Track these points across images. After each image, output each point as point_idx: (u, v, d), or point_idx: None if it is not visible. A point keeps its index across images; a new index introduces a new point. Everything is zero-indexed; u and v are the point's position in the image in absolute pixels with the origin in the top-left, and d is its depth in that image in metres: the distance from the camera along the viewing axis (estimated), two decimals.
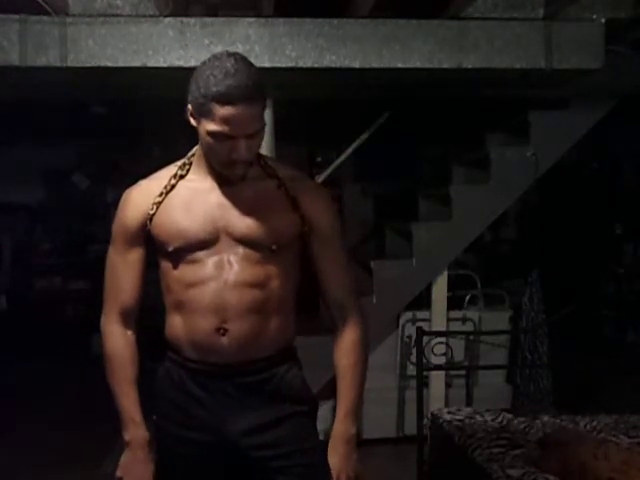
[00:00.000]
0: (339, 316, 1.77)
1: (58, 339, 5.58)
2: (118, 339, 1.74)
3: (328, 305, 1.78)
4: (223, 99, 1.51)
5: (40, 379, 5.10)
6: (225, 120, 1.53)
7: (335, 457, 1.71)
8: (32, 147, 6.16)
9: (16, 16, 2.99)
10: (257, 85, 1.54)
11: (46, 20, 2.99)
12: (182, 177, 1.71)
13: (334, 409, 1.77)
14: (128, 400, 1.71)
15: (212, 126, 1.54)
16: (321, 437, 1.81)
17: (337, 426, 1.74)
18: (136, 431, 1.71)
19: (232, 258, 1.65)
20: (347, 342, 1.75)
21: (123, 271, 1.73)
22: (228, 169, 1.63)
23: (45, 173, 6.62)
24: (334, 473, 1.70)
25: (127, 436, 1.71)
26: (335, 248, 1.75)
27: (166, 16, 3.06)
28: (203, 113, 1.55)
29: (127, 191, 1.75)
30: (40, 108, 4.44)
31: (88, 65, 3.04)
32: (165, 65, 3.05)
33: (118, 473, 1.70)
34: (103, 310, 1.76)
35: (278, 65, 3.13)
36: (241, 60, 1.56)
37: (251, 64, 1.58)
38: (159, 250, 1.71)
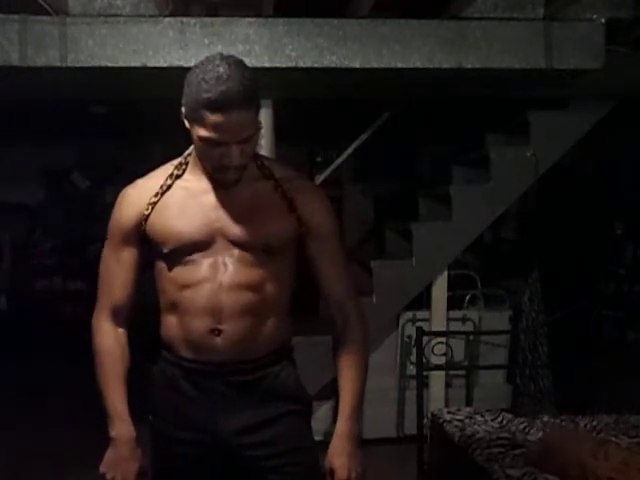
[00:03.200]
0: (339, 315, 1.76)
1: (58, 339, 5.57)
2: (108, 335, 1.74)
3: (328, 305, 1.78)
4: (213, 106, 1.49)
5: (40, 379, 5.10)
6: (216, 127, 1.51)
7: (342, 456, 1.70)
8: (32, 147, 6.16)
9: (16, 16, 2.99)
10: (249, 91, 1.51)
11: (46, 20, 2.99)
12: (178, 177, 1.71)
13: (334, 409, 1.78)
14: (115, 396, 1.71)
15: (203, 132, 1.53)
16: (321, 437, 1.82)
17: (341, 425, 1.73)
18: (122, 428, 1.69)
19: (227, 260, 1.65)
20: (348, 341, 1.75)
21: (116, 269, 1.73)
22: (220, 174, 1.62)
23: (45, 173, 6.62)
24: (342, 472, 1.68)
25: (112, 432, 1.70)
26: (333, 248, 1.75)
27: (166, 16, 3.06)
28: (195, 118, 1.53)
29: (124, 190, 1.75)
30: (40, 108, 4.43)
31: (88, 65, 3.04)
32: (165, 65, 3.05)
33: (102, 469, 1.68)
34: (95, 307, 1.77)
35: (278, 65, 3.13)
36: (234, 64, 1.53)
37: (245, 68, 1.55)
38: (154, 251, 1.71)
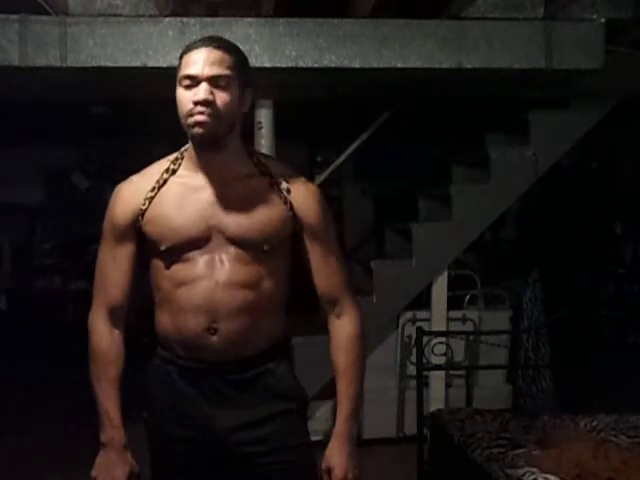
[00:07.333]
0: (333, 312, 1.75)
1: (58, 339, 5.57)
2: (104, 337, 1.72)
3: (321, 301, 1.77)
4: (191, 47, 1.61)
5: (40, 379, 5.10)
6: (189, 63, 1.59)
7: (340, 456, 1.70)
8: (32, 147, 6.16)
9: (16, 16, 2.99)
10: (230, 44, 1.65)
11: (46, 20, 3.00)
12: (174, 172, 1.70)
13: (334, 409, 1.77)
14: (108, 401, 1.69)
15: (179, 76, 1.60)
16: (320, 437, 1.81)
17: (340, 426, 1.72)
18: (113, 433, 1.69)
19: (224, 257, 1.64)
20: (344, 339, 1.73)
21: (112, 267, 1.72)
22: (193, 128, 1.59)
23: (45, 173, 6.61)
24: (340, 471, 1.68)
25: (103, 437, 1.69)
26: (325, 244, 1.73)
27: (166, 16, 3.06)
28: (178, 76, 1.61)
29: (118, 186, 1.74)
30: (40, 108, 4.43)
31: (88, 65, 3.04)
32: (165, 65, 3.05)
33: (93, 473, 1.69)
34: (92, 307, 1.75)
35: (278, 65, 3.13)
36: (227, 40, 1.68)
37: (238, 47, 1.70)
38: (150, 247, 1.69)
